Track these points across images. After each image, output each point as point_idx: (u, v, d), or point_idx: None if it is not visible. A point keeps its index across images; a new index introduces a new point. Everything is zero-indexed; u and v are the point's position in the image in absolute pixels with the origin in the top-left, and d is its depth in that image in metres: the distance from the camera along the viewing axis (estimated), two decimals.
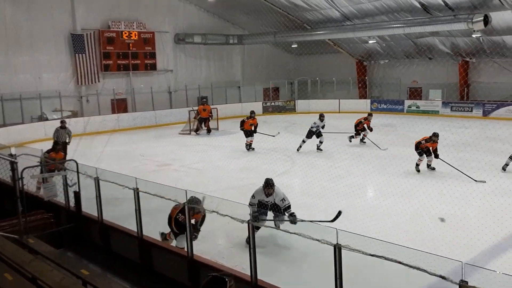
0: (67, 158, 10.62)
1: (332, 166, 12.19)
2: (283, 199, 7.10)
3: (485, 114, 21.78)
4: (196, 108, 19.98)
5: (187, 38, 24.98)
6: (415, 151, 11.88)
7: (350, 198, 8.99)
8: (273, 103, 26.74)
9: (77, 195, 7.74)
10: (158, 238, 6.90)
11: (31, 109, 19.29)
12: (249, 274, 5.18)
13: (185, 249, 6.01)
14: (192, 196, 6.08)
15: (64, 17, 20.95)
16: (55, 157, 9.70)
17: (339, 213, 6.65)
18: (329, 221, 6.53)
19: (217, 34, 26.11)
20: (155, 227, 7.03)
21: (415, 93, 24.81)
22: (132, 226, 6.74)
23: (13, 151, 7.34)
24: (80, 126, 18.81)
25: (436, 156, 11.69)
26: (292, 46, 26.81)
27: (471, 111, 22.28)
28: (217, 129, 20.20)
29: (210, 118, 19.46)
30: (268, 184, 7.13)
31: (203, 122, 19.42)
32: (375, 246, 4.12)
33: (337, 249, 4.35)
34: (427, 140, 11.68)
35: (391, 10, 20.90)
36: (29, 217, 7.06)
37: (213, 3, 24.43)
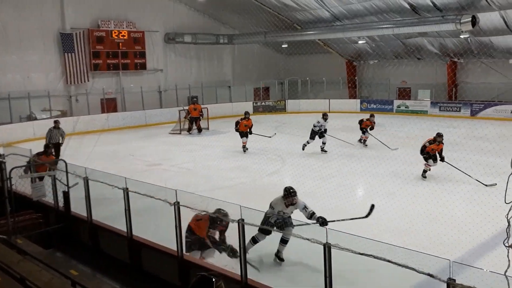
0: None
1: (322, 166, 12.26)
2: (305, 207, 6.33)
3: (473, 114, 22.01)
4: (186, 107, 19.96)
5: (177, 37, 24.92)
6: (421, 156, 11.05)
7: (340, 197, 9.03)
8: (263, 103, 26.75)
9: (66, 195, 7.69)
10: (147, 237, 6.78)
11: (20, 109, 19.09)
12: (239, 273, 5.19)
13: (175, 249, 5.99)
14: (218, 209, 5.75)
15: (53, 16, 20.78)
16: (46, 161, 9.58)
17: (372, 206, 6.54)
18: (363, 217, 6.50)
19: (207, 33, 26.07)
20: (145, 226, 6.99)
21: (404, 93, 24.99)
22: (122, 226, 6.71)
23: (1, 150, 7.31)
24: (69, 125, 18.62)
25: (442, 159, 10.88)
26: (283, 46, 26.87)
27: (459, 111, 22.50)
28: (208, 128, 20.20)
29: (200, 117, 19.46)
30: (290, 193, 6.30)
31: (193, 121, 19.40)
32: (364, 245, 4.16)
33: (327, 248, 4.39)
34: (431, 141, 10.85)
35: (380, 10, 21.06)
36: (17, 217, 7.02)
37: (203, 2, 24.40)
